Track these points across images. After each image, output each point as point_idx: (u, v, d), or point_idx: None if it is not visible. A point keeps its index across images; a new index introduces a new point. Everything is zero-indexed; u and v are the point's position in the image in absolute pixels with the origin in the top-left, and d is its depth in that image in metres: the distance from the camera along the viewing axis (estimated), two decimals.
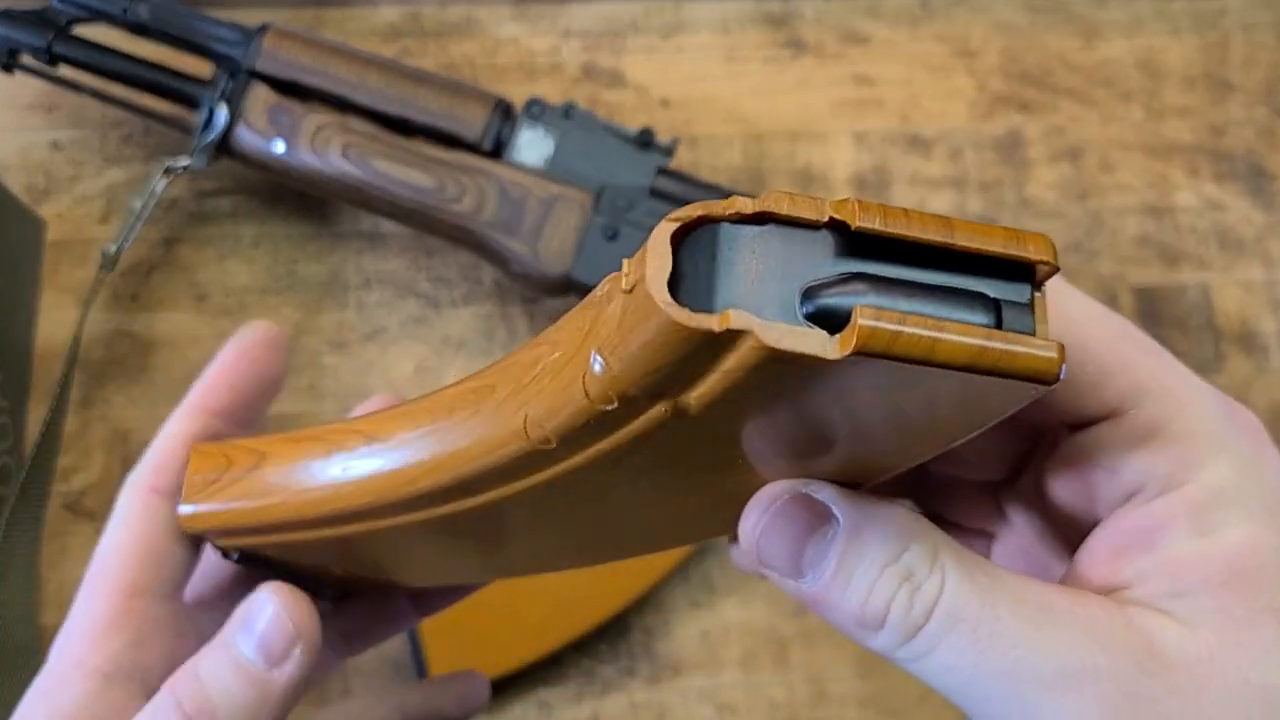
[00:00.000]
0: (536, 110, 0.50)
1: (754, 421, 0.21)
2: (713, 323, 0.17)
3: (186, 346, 0.54)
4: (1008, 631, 0.21)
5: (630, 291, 0.19)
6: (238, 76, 0.49)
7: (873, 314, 0.17)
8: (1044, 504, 0.26)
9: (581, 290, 0.49)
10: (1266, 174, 0.59)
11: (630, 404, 0.20)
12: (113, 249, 0.51)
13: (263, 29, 0.50)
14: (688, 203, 0.49)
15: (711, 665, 0.51)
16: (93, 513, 0.52)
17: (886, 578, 0.21)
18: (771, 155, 0.58)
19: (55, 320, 0.54)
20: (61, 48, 0.50)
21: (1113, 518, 0.24)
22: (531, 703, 0.50)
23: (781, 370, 0.18)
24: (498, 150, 0.50)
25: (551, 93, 0.58)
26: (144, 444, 0.53)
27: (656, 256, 0.18)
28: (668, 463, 0.23)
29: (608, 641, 0.51)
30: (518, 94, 0.51)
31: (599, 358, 0.20)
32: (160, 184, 0.51)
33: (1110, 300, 0.56)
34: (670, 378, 0.19)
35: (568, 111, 0.50)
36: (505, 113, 0.50)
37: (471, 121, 0.49)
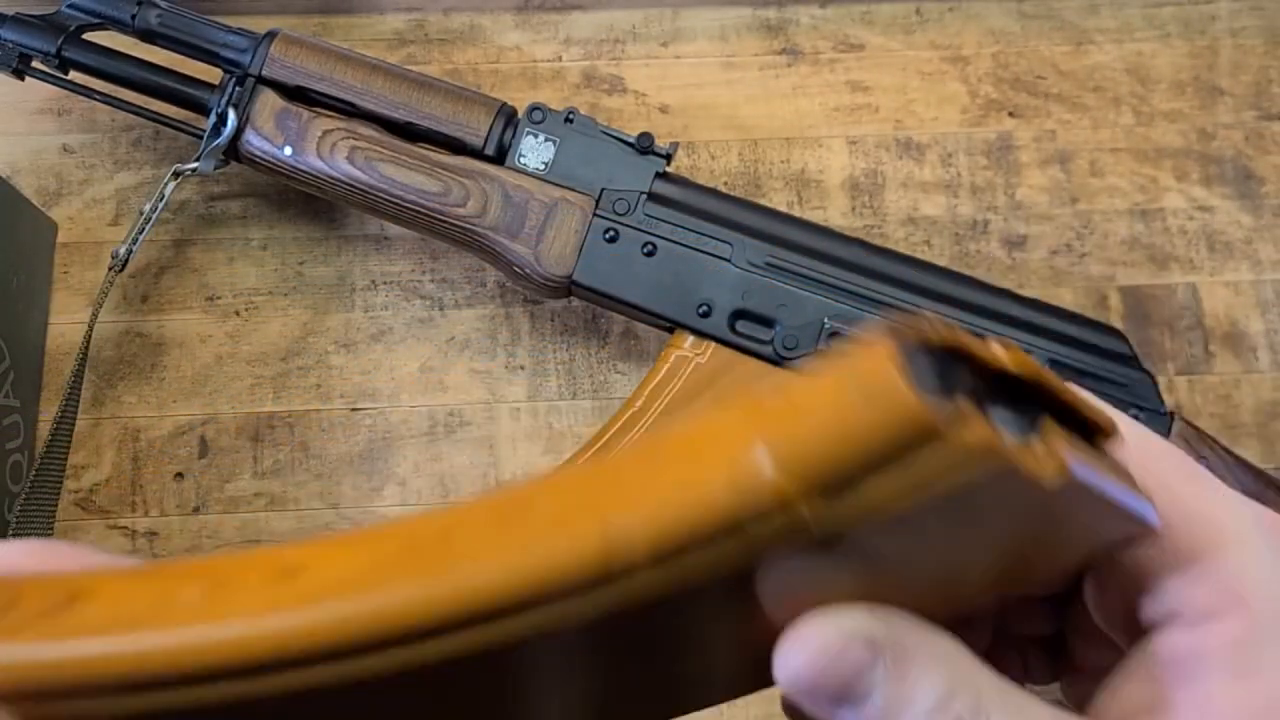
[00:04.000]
0: (538, 116, 0.51)
1: (869, 544, 0.19)
2: (953, 417, 0.17)
3: (196, 347, 0.55)
4: None
5: (838, 368, 0.18)
6: (245, 82, 0.50)
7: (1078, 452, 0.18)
8: (1090, 620, 0.25)
9: (582, 291, 0.50)
10: (1255, 177, 0.60)
11: (775, 512, 0.18)
12: (123, 251, 0.51)
13: (270, 35, 0.50)
14: (687, 206, 0.51)
15: None
16: (103, 510, 0.53)
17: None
18: (767, 160, 0.59)
19: (66, 321, 0.55)
20: (71, 53, 0.51)
21: (1152, 641, 0.23)
22: None
23: (969, 483, 0.17)
24: (501, 155, 0.50)
25: (553, 99, 0.59)
26: (153, 442, 0.54)
27: (889, 349, 0.17)
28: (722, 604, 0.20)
29: None
30: (520, 100, 0.51)
31: (765, 450, 0.18)
32: (170, 187, 0.51)
33: (1100, 301, 0.57)
34: (851, 476, 0.17)
35: (569, 117, 0.51)
36: (508, 118, 0.51)
37: (475, 127, 0.50)
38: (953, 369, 0.18)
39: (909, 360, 0.17)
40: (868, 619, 0.21)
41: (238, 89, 0.50)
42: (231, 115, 0.50)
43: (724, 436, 0.18)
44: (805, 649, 0.21)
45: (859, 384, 0.18)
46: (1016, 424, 0.19)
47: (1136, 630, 0.24)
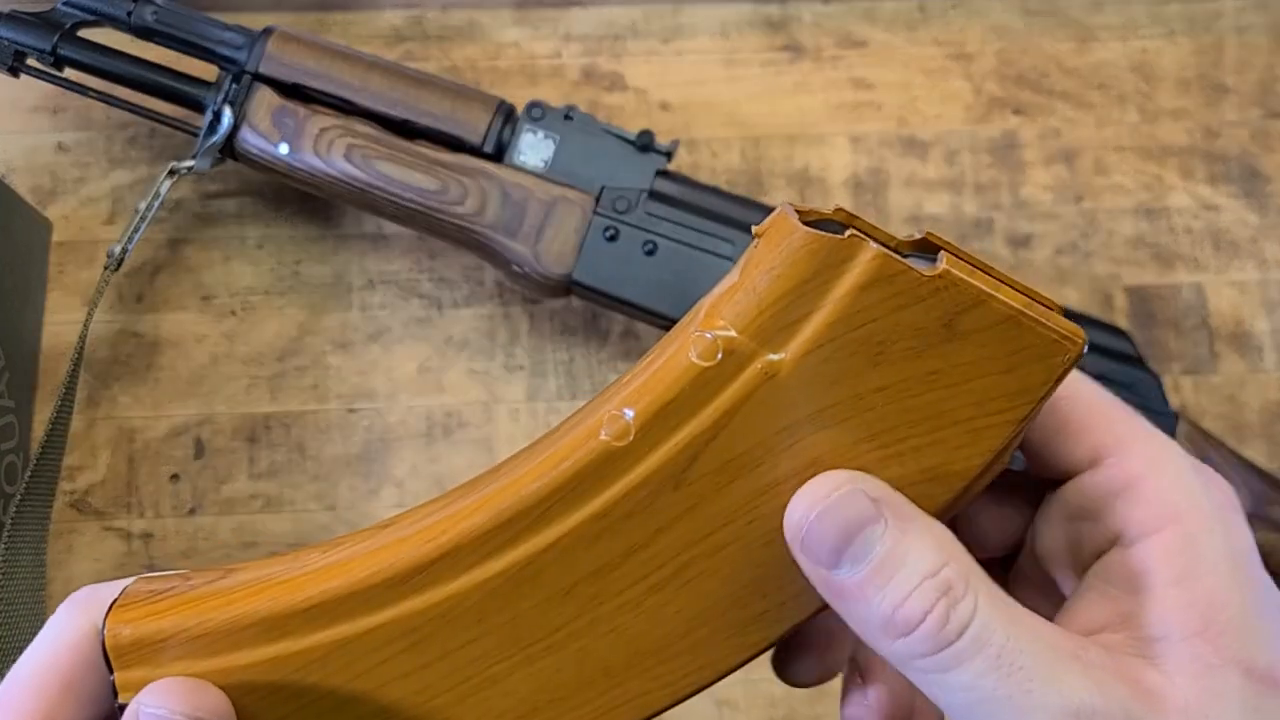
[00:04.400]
0: (538, 113, 0.50)
1: (836, 384, 0.23)
2: (840, 237, 0.23)
3: (191, 346, 0.55)
4: (1026, 665, 0.22)
5: (756, 244, 0.23)
6: (242, 79, 0.50)
7: (955, 263, 0.23)
8: (1039, 562, 0.28)
9: (582, 290, 0.50)
10: (1261, 175, 0.59)
11: (731, 360, 0.23)
12: (118, 250, 0.51)
13: (267, 32, 0.50)
14: (688, 204, 0.50)
15: None
16: (98, 511, 0.52)
17: (925, 588, 0.22)
18: (769, 158, 0.58)
19: (61, 320, 0.55)
20: (67, 50, 0.50)
21: (1102, 562, 0.25)
22: None
23: (879, 300, 0.22)
24: (499, 153, 0.50)
25: (552, 96, 0.58)
26: (149, 443, 0.54)
27: (785, 215, 0.23)
28: (735, 470, 0.24)
29: None
30: (519, 97, 0.51)
31: (711, 321, 0.23)
32: (165, 185, 0.51)
33: (1105, 301, 0.57)
34: (787, 308, 0.23)
35: (568, 114, 0.50)
36: (507, 115, 0.50)
37: (474, 124, 0.50)
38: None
39: (809, 225, 0.23)
40: (871, 480, 0.24)
41: (234, 86, 0.50)
42: (227, 113, 0.50)
43: (679, 332, 0.24)
44: (812, 497, 0.23)
45: (770, 244, 0.23)
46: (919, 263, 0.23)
47: (1080, 565, 0.26)
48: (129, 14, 0.50)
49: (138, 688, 0.24)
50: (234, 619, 0.24)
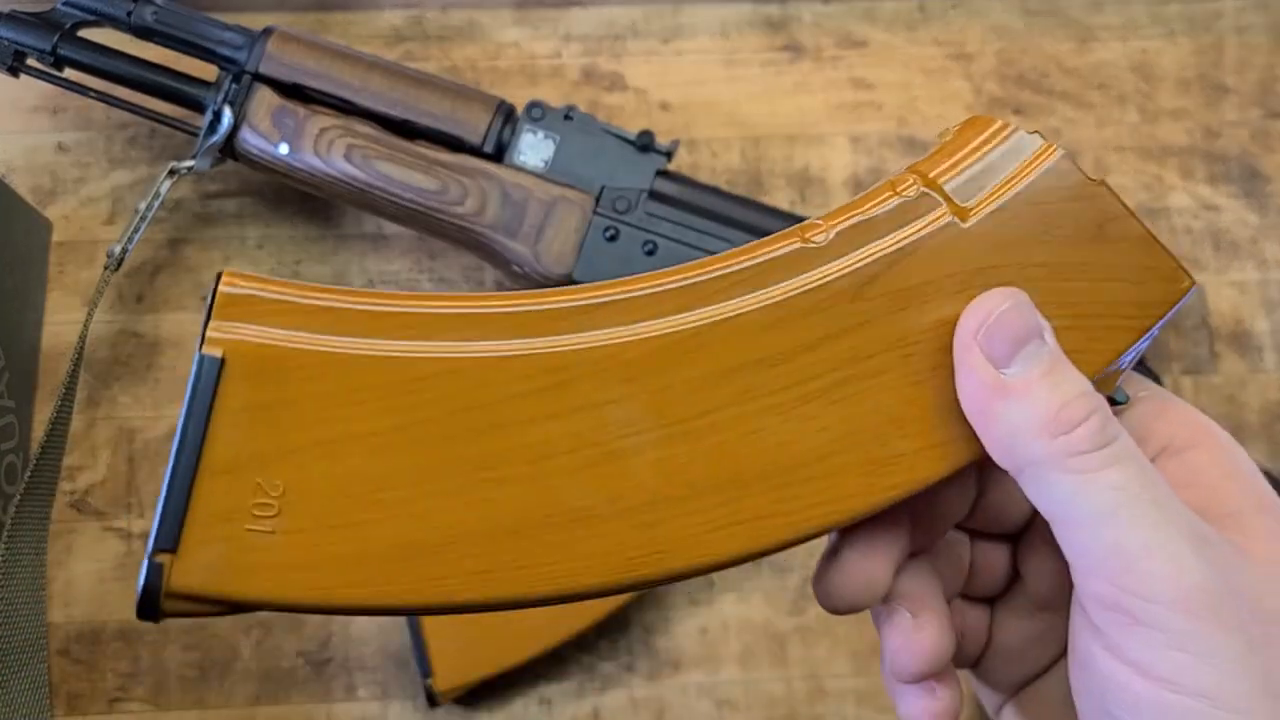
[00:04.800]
0: (538, 113, 0.50)
1: (1007, 248, 0.26)
2: (1032, 133, 0.27)
3: (191, 346, 0.54)
4: (1163, 484, 0.25)
5: (951, 131, 0.27)
6: (242, 79, 0.50)
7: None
8: (1042, 554, 0.31)
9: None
10: (1261, 175, 0.59)
11: (926, 199, 0.26)
12: (118, 250, 0.51)
13: (267, 32, 0.50)
14: (688, 204, 0.50)
15: (711, 662, 0.52)
16: (99, 511, 0.52)
17: (1086, 397, 0.25)
18: (769, 158, 0.58)
19: (61, 320, 0.55)
20: (66, 50, 0.50)
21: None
22: (533, 698, 0.51)
23: (1055, 187, 0.26)
24: (499, 153, 0.50)
25: (552, 96, 0.58)
26: (149, 443, 0.54)
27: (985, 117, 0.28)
28: (908, 298, 0.26)
29: (608, 638, 0.51)
30: (519, 97, 0.51)
31: (913, 171, 0.27)
32: (165, 185, 0.51)
33: None
34: (981, 174, 0.26)
35: (568, 114, 0.50)
36: (507, 116, 0.50)
37: (474, 124, 0.50)
38: None
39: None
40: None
41: (234, 86, 0.50)
42: (227, 113, 0.50)
43: (892, 180, 0.27)
44: (990, 302, 0.25)
45: (973, 127, 0.27)
46: None
47: None
48: (129, 14, 0.50)
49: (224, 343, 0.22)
50: (356, 303, 0.23)
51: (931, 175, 0.26)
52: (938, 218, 0.26)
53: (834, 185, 0.58)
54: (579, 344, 0.23)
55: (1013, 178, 0.26)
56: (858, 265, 0.25)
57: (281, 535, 0.22)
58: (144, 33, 0.51)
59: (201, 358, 0.22)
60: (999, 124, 0.27)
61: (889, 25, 0.61)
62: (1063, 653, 0.30)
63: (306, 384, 0.22)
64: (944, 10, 0.61)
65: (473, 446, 0.23)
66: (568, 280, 0.49)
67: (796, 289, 0.25)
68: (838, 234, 0.26)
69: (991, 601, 0.32)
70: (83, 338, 0.51)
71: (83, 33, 0.51)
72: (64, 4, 0.50)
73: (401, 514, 0.22)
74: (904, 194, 0.26)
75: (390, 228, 0.56)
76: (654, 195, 0.50)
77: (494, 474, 0.23)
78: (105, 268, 0.51)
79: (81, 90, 0.52)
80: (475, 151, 0.50)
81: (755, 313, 0.25)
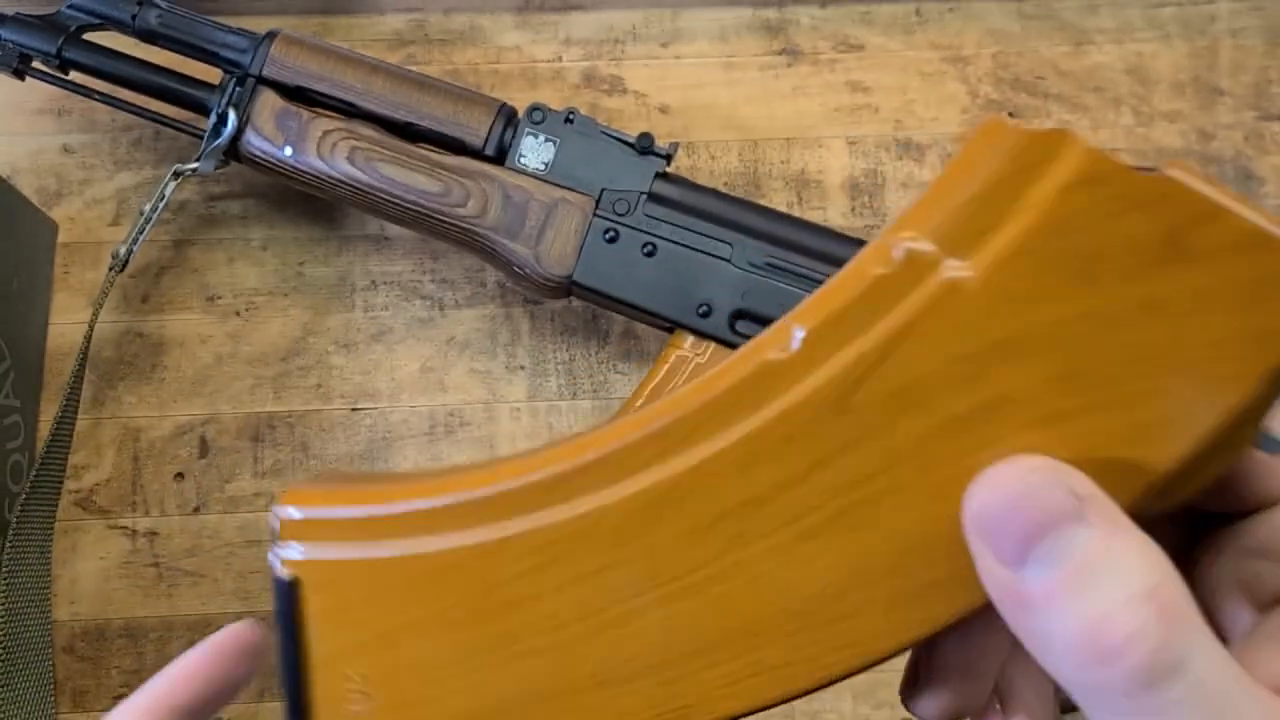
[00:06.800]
0: (538, 116, 0.51)
1: (1032, 306, 0.20)
2: (1044, 129, 0.20)
3: (196, 347, 0.55)
4: None
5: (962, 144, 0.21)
6: (246, 82, 0.50)
7: (1187, 168, 0.19)
8: (1205, 594, 0.24)
9: (582, 291, 0.50)
10: (1255, 177, 0.60)
11: (910, 266, 0.20)
12: (123, 251, 0.51)
13: (270, 35, 0.50)
14: (687, 206, 0.51)
15: None
16: (103, 510, 0.53)
17: (1136, 604, 0.17)
18: (767, 160, 0.59)
19: (67, 321, 0.55)
20: (72, 53, 0.51)
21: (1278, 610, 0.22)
22: None
23: (1090, 205, 0.19)
24: (501, 155, 0.50)
25: (553, 99, 0.59)
26: (153, 442, 0.54)
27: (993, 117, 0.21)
28: (907, 400, 0.21)
29: None
30: (520, 100, 0.52)
31: (896, 230, 0.20)
32: (170, 187, 0.51)
33: None
34: (979, 211, 0.20)
35: (569, 117, 0.51)
36: (508, 119, 0.51)
37: (475, 127, 0.50)
38: None
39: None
40: (1076, 473, 0.19)
41: (238, 89, 0.50)
42: (232, 115, 0.50)
43: (873, 248, 0.21)
44: (998, 478, 0.19)
45: (966, 145, 0.20)
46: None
47: (1259, 602, 0.22)
48: (133, 17, 0.51)
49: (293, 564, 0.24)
50: (385, 508, 0.24)
51: (916, 233, 0.20)
52: (930, 288, 0.20)
53: (831, 187, 0.59)
54: (562, 516, 0.23)
55: (1028, 202, 0.20)
56: (836, 372, 0.21)
57: (372, 715, 0.24)
58: (148, 36, 0.51)
59: (276, 581, 0.24)
60: (1010, 128, 0.20)
61: (886, 29, 0.61)
62: None
63: (358, 586, 0.24)
64: (940, 14, 0.62)
65: (497, 624, 0.23)
66: (568, 281, 0.50)
67: (770, 416, 0.21)
68: (804, 340, 0.21)
69: None
70: (88, 338, 0.51)
71: (87, 36, 0.51)
72: (69, 7, 0.51)
73: (457, 689, 0.24)
74: (882, 267, 0.20)
75: (393, 229, 0.57)
76: (653, 197, 0.50)
77: (521, 647, 0.23)
78: (110, 269, 0.52)
79: (86, 93, 0.52)
80: (477, 154, 0.50)
81: (729, 451, 0.21)
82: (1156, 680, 0.17)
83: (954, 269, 0.20)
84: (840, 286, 0.21)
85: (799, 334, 0.21)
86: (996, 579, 0.19)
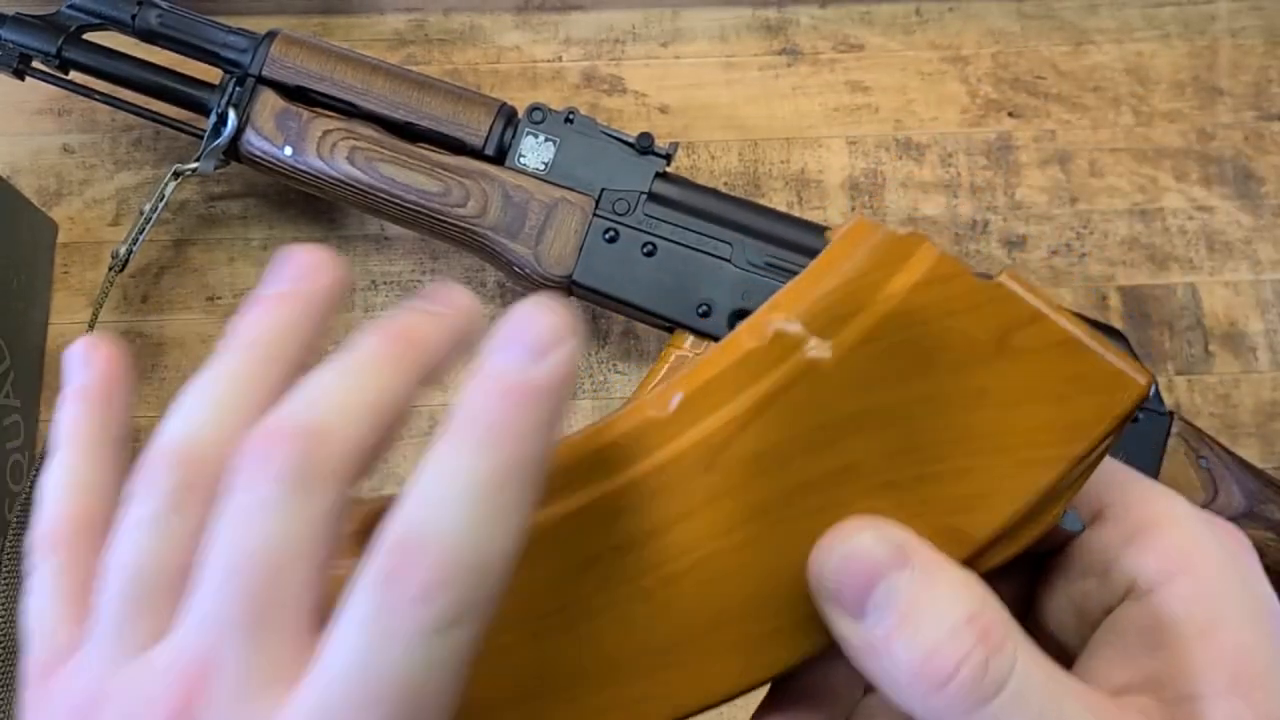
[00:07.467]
0: (538, 116, 0.51)
1: (879, 387, 0.22)
2: (902, 232, 0.22)
3: (196, 347, 0.55)
4: None
5: (830, 242, 0.24)
6: (246, 82, 0.50)
7: (1017, 276, 0.22)
8: (1041, 631, 0.26)
9: (582, 291, 0.50)
10: (1255, 177, 0.60)
11: (778, 344, 0.22)
12: (123, 251, 0.51)
13: (270, 35, 0.50)
14: (687, 206, 0.51)
15: None
16: None
17: (960, 634, 0.20)
18: (767, 160, 0.59)
19: (67, 321, 0.55)
20: (72, 53, 0.51)
21: (1112, 619, 0.24)
22: None
23: (933, 302, 0.22)
24: (501, 155, 0.50)
25: (553, 99, 0.59)
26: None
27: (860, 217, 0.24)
28: (768, 462, 0.23)
29: None
30: (520, 100, 0.51)
31: (769, 310, 0.23)
32: (170, 187, 0.51)
33: (1100, 302, 0.57)
34: (841, 299, 0.22)
35: (569, 117, 0.51)
36: (508, 118, 0.51)
37: (475, 127, 0.50)
38: None
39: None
40: (891, 525, 0.22)
41: (238, 89, 0.50)
42: (232, 115, 0.50)
43: (748, 325, 0.23)
44: (836, 543, 0.22)
45: (836, 239, 0.23)
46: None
47: (1088, 626, 0.24)
48: (133, 17, 0.51)
49: None
50: None
51: (795, 307, 0.23)
52: (795, 364, 0.22)
53: (831, 187, 0.59)
54: None
55: (881, 295, 0.22)
56: (707, 433, 0.22)
57: None
58: (148, 36, 0.51)
59: None
60: (860, 223, 0.23)
61: (885, 29, 0.61)
62: None
63: None
64: (940, 14, 0.62)
65: None
66: (568, 281, 0.50)
67: (644, 469, 0.23)
68: (681, 403, 0.23)
69: None
70: None
71: (88, 36, 0.51)
72: (69, 7, 0.51)
73: None
74: (754, 341, 0.23)
75: (393, 229, 0.57)
76: (653, 197, 0.50)
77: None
78: (110, 269, 0.52)
79: (86, 93, 0.52)
80: (477, 154, 0.50)
81: (606, 498, 0.23)
82: (986, 697, 0.20)
83: (815, 349, 0.22)
84: (717, 356, 0.23)
85: (677, 398, 0.23)
86: (847, 633, 0.21)
